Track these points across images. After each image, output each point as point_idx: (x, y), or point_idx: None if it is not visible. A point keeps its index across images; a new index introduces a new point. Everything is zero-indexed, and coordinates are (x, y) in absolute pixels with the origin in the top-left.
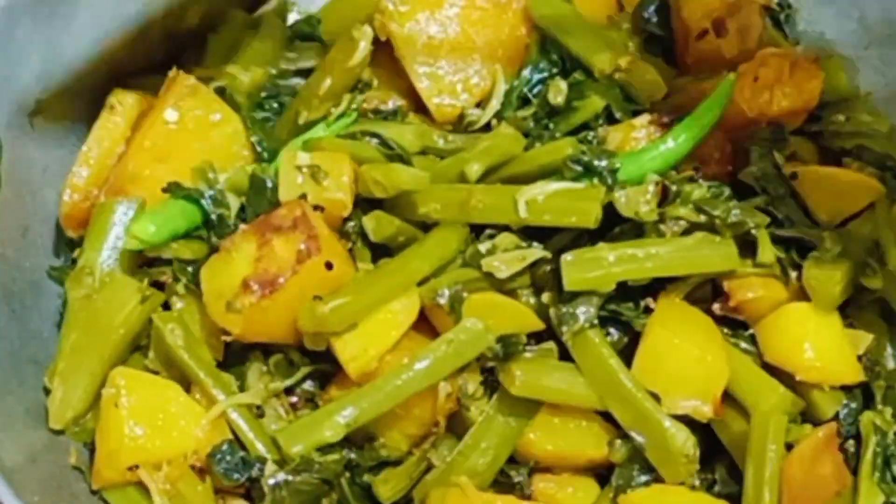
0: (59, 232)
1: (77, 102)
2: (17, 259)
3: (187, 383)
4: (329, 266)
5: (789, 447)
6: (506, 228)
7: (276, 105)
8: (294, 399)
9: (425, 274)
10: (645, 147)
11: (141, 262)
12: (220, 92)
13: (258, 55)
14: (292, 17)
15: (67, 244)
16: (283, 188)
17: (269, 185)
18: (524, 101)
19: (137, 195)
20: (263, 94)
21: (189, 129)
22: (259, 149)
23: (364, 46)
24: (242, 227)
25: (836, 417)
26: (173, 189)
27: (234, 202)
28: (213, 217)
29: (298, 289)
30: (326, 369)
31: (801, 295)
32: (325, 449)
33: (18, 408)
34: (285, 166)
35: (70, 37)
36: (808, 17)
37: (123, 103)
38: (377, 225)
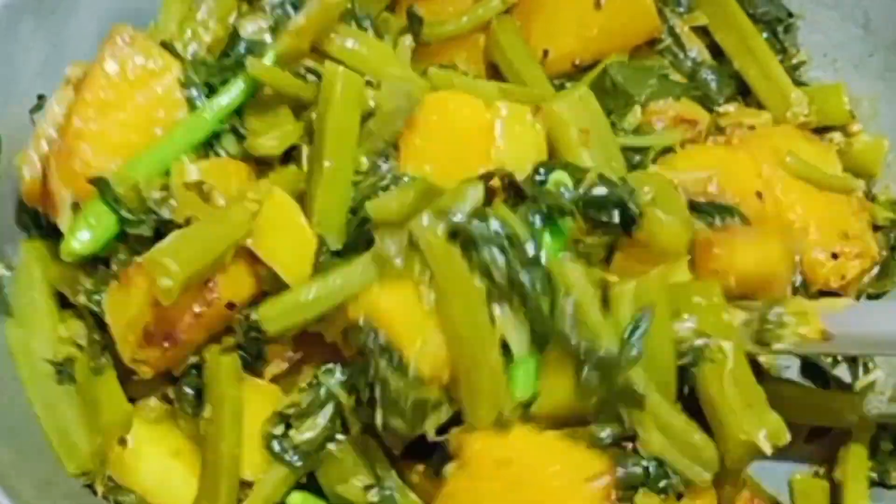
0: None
1: None
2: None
3: None
4: (231, 306)
5: None
6: None
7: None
8: None
9: None
10: None
11: None
12: (164, 46)
13: (213, 11)
14: None
15: None
16: (179, 209)
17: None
18: None
19: (86, 152)
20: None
21: (130, 80)
22: (197, 98)
23: None
24: (137, 259)
25: None
26: (101, 187)
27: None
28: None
29: (203, 326)
30: None
31: None
32: None
33: (11, 405)
34: (175, 182)
35: (71, 33)
36: (812, 22)
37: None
38: None
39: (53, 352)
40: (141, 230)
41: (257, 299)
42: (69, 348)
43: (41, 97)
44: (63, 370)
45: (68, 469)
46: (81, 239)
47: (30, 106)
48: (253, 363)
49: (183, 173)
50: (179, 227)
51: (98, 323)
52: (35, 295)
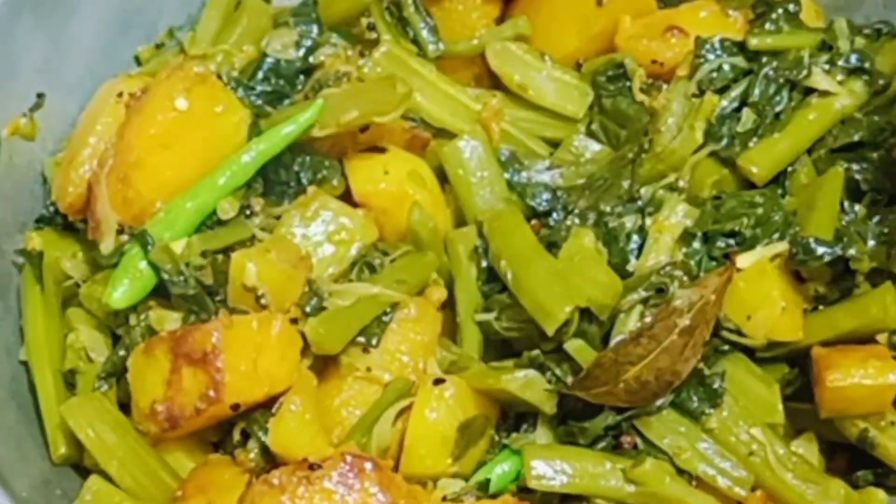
0: None
1: (78, 97)
2: (14, 254)
3: None
4: (235, 407)
5: None
6: None
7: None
8: None
9: None
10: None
11: None
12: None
13: (248, 33)
14: None
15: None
16: (231, 300)
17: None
18: None
19: (141, 183)
20: (259, 76)
21: (196, 118)
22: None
23: None
24: (161, 333)
25: None
26: (142, 242)
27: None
28: (174, 293)
29: (206, 419)
30: None
31: None
32: None
33: (11, 403)
34: (234, 280)
35: (71, 31)
36: None
37: (133, 93)
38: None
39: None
40: (184, 290)
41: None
42: (77, 361)
43: (40, 95)
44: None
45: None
46: (120, 292)
47: (29, 104)
48: None
49: (243, 274)
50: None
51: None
52: (41, 298)
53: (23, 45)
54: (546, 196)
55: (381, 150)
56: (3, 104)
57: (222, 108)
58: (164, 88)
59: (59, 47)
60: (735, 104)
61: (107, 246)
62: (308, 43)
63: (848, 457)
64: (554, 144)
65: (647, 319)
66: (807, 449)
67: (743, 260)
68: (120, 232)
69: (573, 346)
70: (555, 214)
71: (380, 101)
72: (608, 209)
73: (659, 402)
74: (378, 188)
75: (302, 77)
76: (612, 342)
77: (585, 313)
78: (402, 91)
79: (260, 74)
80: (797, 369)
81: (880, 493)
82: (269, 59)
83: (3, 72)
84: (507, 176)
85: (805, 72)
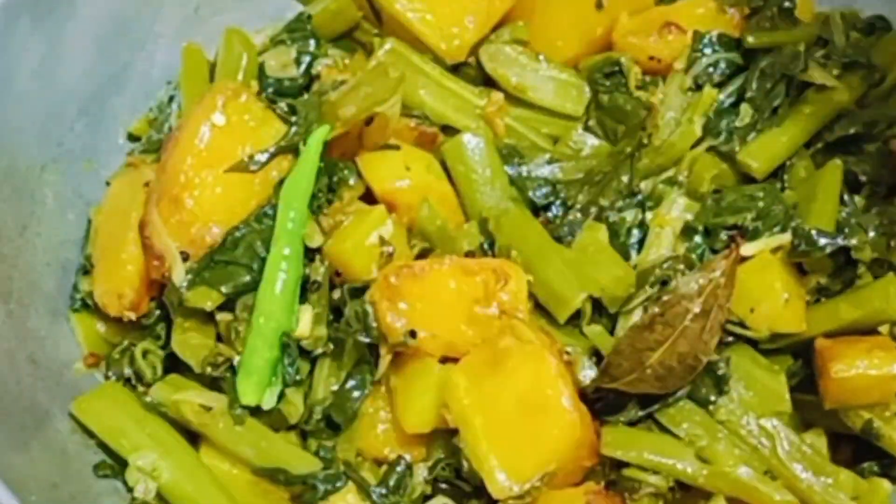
0: (56, 231)
1: (75, 100)
2: (15, 257)
3: None
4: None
5: None
6: None
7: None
8: None
9: None
10: None
11: None
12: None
13: (251, 70)
14: None
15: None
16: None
17: None
18: None
19: (192, 203)
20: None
21: (235, 133)
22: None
23: None
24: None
25: None
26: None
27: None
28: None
29: None
30: None
31: None
32: None
33: (16, 407)
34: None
35: (69, 34)
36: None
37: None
38: None
39: None
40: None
41: None
42: None
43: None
44: None
45: None
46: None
47: (27, 107)
48: None
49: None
50: None
51: None
52: None
53: (20, 48)
54: (545, 190)
55: (396, 148)
56: (1, 107)
57: (257, 122)
58: (201, 109)
59: (57, 50)
60: (732, 99)
61: (179, 277)
62: (307, 59)
63: (853, 448)
64: (554, 140)
65: (655, 311)
66: (815, 440)
67: (747, 248)
68: (185, 259)
69: (593, 331)
70: (553, 209)
71: (376, 91)
72: (608, 203)
73: (679, 393)
74: (403, 185)
75: (305, 93)
76: (626, 328)
77: (596, 307)
78: (394, 75)
79: (263, 96)
80: (801, 361)
81: (885, 483)
82: (271, 80)
83: (1, 74)
84: (507, 170)
85: (801, 66)
